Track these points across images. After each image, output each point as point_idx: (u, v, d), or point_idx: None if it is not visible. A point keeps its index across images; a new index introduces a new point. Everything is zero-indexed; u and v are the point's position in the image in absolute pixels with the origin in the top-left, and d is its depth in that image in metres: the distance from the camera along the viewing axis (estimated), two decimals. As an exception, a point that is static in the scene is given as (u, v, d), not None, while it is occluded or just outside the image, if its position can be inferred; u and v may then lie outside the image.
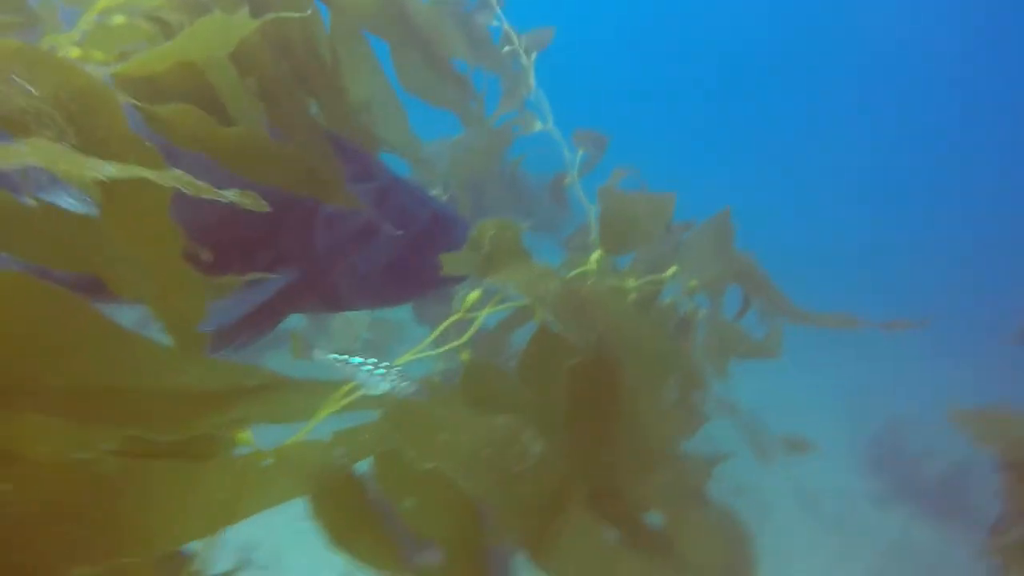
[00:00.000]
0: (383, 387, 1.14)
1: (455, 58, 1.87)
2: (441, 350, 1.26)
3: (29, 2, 1.39)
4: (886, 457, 5.89)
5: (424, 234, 1.64)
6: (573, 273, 1.54)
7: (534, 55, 2.43)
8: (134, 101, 1.08)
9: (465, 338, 1.27)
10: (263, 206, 0.82)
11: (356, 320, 4.67)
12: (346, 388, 1.14)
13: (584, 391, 1.29)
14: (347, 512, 1.04)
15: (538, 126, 2.33)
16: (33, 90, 0.80)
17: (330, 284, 1.64)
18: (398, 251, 1.62)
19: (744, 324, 1.91)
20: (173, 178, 0.72)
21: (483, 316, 1.32)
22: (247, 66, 1.26)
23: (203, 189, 0.73)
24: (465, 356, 1.28)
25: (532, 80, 2.42)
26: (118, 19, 1.14)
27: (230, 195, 0.77)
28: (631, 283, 1.65)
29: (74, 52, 1.09)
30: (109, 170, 0.70)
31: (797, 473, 5.50)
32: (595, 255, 1.58)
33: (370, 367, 1.14)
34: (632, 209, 1.64)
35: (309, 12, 1.16)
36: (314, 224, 1.61)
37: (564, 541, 1.12)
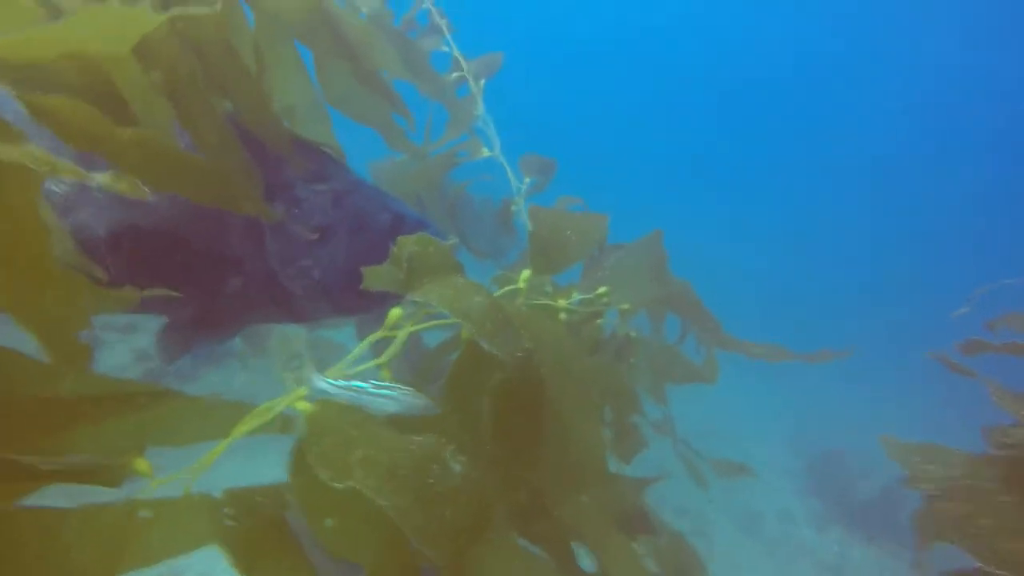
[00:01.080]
0: (392, 409, 1.07)
1: (396, 78, 1.84)
2: (359, 368, 1.19)
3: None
4: (824, 480, 6.03)
5: (385, 237, 1.56)
6: (502, 291, 1.50)
7: (483, 81, 2.43)
8: (8, 88, 0.99)
9: (385, 357, 1.20)
10: (143, 192, 0.74)
11: (294, 337, 4.50)
12: (261, 408, 1.06)
13: (509, 409, 1.24)
14: (259, 537, 0.95)
15: (484, 152, 2.31)
16: None
17: (284, 291, 1.56)
18: (356, 255, 1.54)
19: (685, 349, 1.91)
20: (28, 156, 0.64)
21: (406, 333, 1.26)
22: (151, 60, 1.18)
23: (62, 167, 0.65)
24: (386, 374, 1.21)
25: (480, 106, 2.41)
26: None
27: (100, 178, 0.70)
28: (561, 303, 1.62)
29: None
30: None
31: (740, 496, 5.55)
32: (524, 273, 1.54)
33: (377, 390, 1.07)
34: (563, 228, 1.62)
35: (219, 8, 1.09)
36: (263, 228, 1.53)
37: (487, 564, 1.05)
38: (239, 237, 1.55)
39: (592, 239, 1.62)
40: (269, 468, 1.13)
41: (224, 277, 1.57)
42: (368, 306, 1.64)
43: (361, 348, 1.21)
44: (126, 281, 1.53)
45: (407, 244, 1.30)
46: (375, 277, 1.34)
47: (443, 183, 2.46)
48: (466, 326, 1.16)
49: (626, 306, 1.71)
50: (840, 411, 7.75)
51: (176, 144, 1.25)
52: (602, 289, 1.66)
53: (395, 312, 1.26)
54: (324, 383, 1.08)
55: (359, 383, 1.08)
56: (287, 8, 1.44)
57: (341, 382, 1.08)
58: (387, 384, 1.09)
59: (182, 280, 1.53)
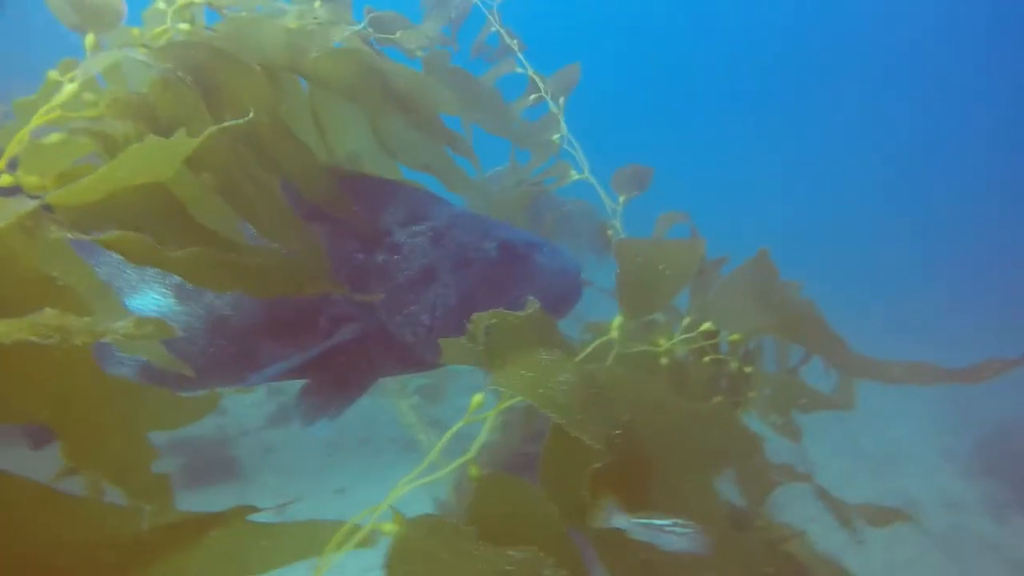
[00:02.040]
0: (681, 546, 1.04)
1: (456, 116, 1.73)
2: (444, 471, 1.10)
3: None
4: (999, 460, 5.29)
5: (494, 267, 1.49)
6: (592, 346, 1.35)
7: (562, 99, 2.26)
8: (73, 233, 0.99)
9: (471, 453, 1.10)
10: (171, 332, 0.70)
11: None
12: (344, 530, 0.99)
13: (609, 495, 1.10)
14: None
15: (573, 175, 2.15)
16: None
17: (399, 342, 1.52)
18: (466, 292, 1.48)
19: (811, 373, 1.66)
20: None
21: (490, 421, 1.15)
22: (199, 163, 1.15)
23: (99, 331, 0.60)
24: (474, 472, 1.11)
25: (563, 126, 2.24)
26: (54, 137, 1.05)
27: (121, 327, 0.64)
28: (662, 344, 1.44)
29: (5, 179, 1.00)
30: None
31: (895, 483, 5.03)
32: (615, 321, 1.38)
33: (672, 526, 1.04)
34: (654, 262, 1.44)
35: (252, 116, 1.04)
36: (366, 278, 1.50)
37: None
38: (341, 295, 1.50)
39: (687, 270, 1.43)
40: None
41: (340, 336, 1.54)
42: None
43: (441, 443, 1.11)
44: (234, 361, 1.57)
45: (483, 318, 1.18)
46: (451, 351, 1.25)
47: (535, 208, 2.31)
48: (553, 415, 1.03)
49: (735, 337, 1.50)
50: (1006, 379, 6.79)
51: (237, 241, 1.22)
52: (706, 325, 1.47)
53: (477, 399, 1.15)
54: (624, 520, 1.04)
55: (656, 520, 1.05)
56: (335, 75, 1.38)
57: (641, 520, 1.05)
58: (675, 520, 1.05)
59: (293, 344, 1.53)
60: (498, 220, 1.68)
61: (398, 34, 1.72)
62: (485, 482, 1.11)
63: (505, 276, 1.50)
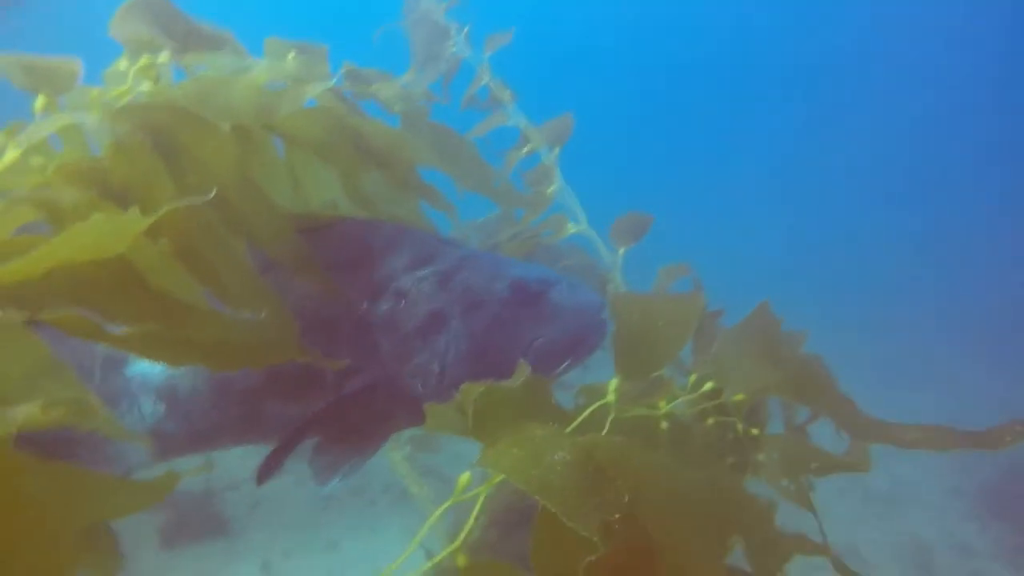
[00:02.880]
0: None
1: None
2: (432, 562, 0.98)
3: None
4: (1009, 500, 5.13)
5: (507, 308, 1.39)
6: (587, 412, 1.24)
7: (556, 149, 2.21)
8: (8, 312, 0.89)
9: (459, 541, 0.98)
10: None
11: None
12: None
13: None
14: None
15: (571, 228, 2.08)
16: None
17: (408, 391, 1.42)
18: (476, 337, 1.38)
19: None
20: None
21: (481, 501, 1.04)
22: (160, 229, 1.06)
23: None
24: (462, 561, 0.99)
25: (557, 176, 2.18)
26: (-5, 206, 0.96)
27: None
28: (662, 407, 1.34)
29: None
30: None
31: (900, 526, 4.85)
32: (612, 383, 1.29)
33: None
34: (652, 319, 1.35)
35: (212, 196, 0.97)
36: (371, 332, 1.41)
37: None
38: (348, 346, 1.42)
39: (687, 327, 1.34)
40: None
41: (346, 391, 1.43)
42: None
43: (422, 534, 1.00)
44: (240, 422, 1.47)
45: (471, 391, 1.09)
46: (438, 420, 1.14)
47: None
48: (547, 503, 0.92)
49: (740, 396, 1.41)
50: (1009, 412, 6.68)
51: (201, 308, 1.12)
52: (708, 385, 1.37)
53: (464, 478, 1.04)
54: None
55: None
56: (307, 133, 1.31)
57: None
58: None
59: (300, 402, 1.43)
60: (512, 259, 1.58)
61: (375, 87, 1.67)
62: (477, 568, 1.00)
63: (519, 317, 1.40)
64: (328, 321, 1.41)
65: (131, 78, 1.19)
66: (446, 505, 1.05)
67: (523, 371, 1.09)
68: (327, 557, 3.74)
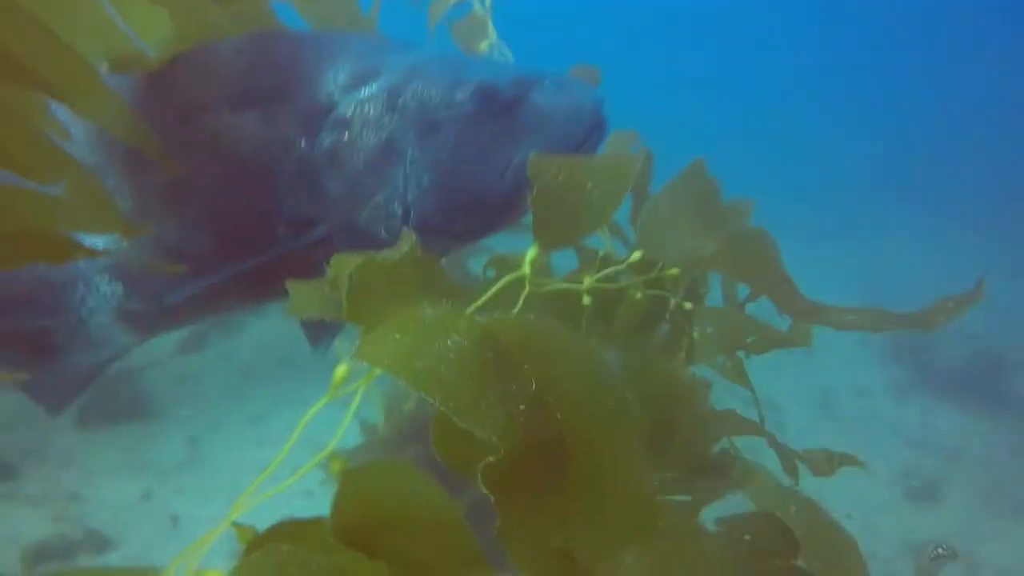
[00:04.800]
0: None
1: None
2: (301, 471, 0.84)
3: None
4: (903, 349, 5.61)
5: (471, 125, 1.16)
6: (500, 284, 1.07)
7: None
8: None
9: (327, 451, 0.83)
10: None
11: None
12: None
13: (512, 490, 0.88)
14: None
15: None
16: None
17: (373, 240, 1.24)
18: (439, 165, 1.17)
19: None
20: None
21: (360, 394, 0.88)
22: None
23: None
24: (337, 467, 0.86)
25: (491, 30, 1.87)
26: None
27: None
28: (587, 282, 1.18)
29: None
30: None
31: (811, 376, 5.24)
32: (529, 254, 1.11)
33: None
34: (580, 180, 1.14)
35: None
36: (316, 173, 1.21)
37: None
38: (292, 195, 1.22)
39: (618, 192, 1.15)
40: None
41: (300, 243, 1.26)
42: (491, 223, 1.25)
43: (299, 429, 0.84)
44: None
45: (344, 263, 0.89)
46: (302, 302, 0.95)
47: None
48: (434, 400, 0.77)
49: (674, 271, 1.26)
50: (920, 278, 7.09)
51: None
52: (635, 256, 1.21)
53: (340, 371, 0.87)
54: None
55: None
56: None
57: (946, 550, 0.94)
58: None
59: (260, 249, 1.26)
60: (481, 58, 1.30)
61: None
62: (357, 475, 0.87)
63: (493, 133, 1.17)
64: (262, 169, 1.20)
65: None
66: (321, 404, 0.89)
67: (408, 239, 0.90)
68: (255, 429, 3.69)
